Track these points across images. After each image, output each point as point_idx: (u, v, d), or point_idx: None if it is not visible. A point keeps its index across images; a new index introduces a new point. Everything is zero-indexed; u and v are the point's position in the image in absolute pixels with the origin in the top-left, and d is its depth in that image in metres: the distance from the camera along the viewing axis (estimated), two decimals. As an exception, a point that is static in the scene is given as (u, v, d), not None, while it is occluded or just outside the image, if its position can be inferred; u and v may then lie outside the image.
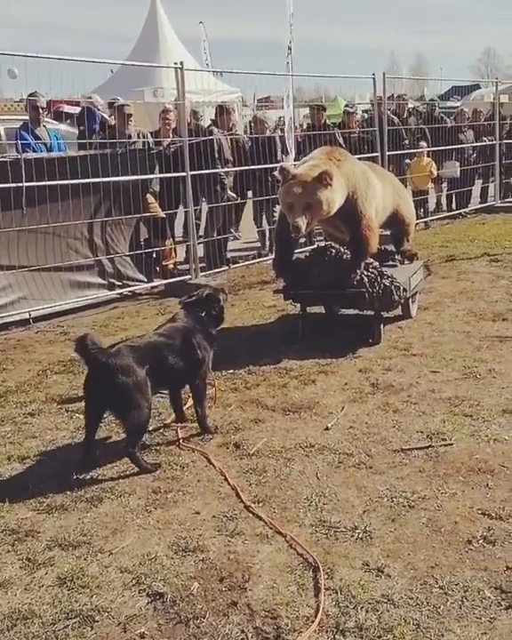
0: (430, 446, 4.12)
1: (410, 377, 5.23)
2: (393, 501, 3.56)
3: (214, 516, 3.49)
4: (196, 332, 4.35)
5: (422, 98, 21.40)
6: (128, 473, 3.93)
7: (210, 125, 10.06)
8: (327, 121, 11.38)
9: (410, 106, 13.90)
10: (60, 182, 7.05)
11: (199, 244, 9.14)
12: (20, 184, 6.79)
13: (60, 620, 2.77)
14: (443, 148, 12.58)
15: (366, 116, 13.88)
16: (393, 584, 2.93)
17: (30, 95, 8.09)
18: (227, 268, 9.23)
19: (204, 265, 8.98)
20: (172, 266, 8.91)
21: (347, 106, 13.12)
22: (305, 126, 11.76)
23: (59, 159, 7.20)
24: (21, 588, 3.00)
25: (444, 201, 13.65)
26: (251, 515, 3.49)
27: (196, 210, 9.22)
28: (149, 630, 2.72)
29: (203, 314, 4.45)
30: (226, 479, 3.83)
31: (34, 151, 7.57)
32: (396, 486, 3.70)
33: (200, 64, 19.88)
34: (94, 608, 2.83)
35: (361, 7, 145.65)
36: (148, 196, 8.40)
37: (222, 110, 10.01)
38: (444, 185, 13.45)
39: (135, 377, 3.90)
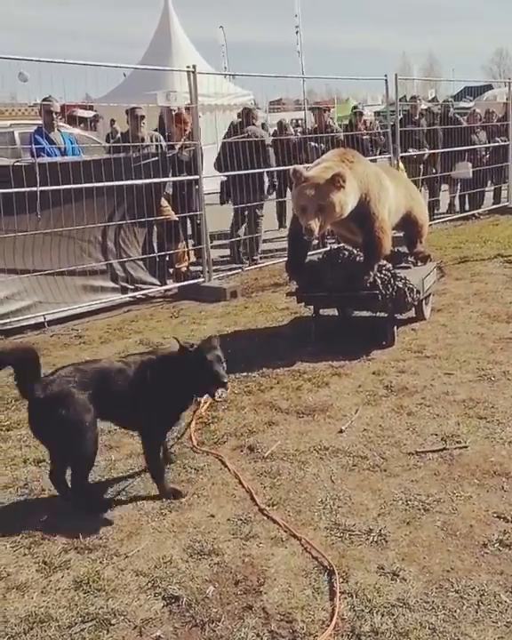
0: (445, 449, 4.10)
1: (424, 379, 5.21)
2: (408, 504, 3.55)
3: (229, 520, 3.50)
4: (159, 378, 3.63)
5: (434, 99, 21.32)
6: (143, 476, 3.94)
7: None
8: (334, 122, 11.40)
9: (423, 107, 13.86)
10: (75, 186, 7.09)
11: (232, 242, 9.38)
12: (35, 188, 6.83)
13: (76, 624, 2.79)
14: (455, 148, 12.54)
15: (374, 117, 13.89)
16: (408, 588, 2.92)
17: (44, 100, 8.14)
18: (240, 270, 9.26)
19: (216, 267, 9.02)
20: (185, 268, 8.93)
21: (355, 107, 13.12)
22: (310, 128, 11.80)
23: (73, 163, 7.24)
24: (38, 591, 3.01)
25: (456, 202, 13.61)
26: (265, 518, 3.49)
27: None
28: (165, 633, 2.73)
29: (178, 371, 3.63)
30: (240, 482, 3.84)
31: (48, 155, 7.61)
32: (410, 489, 3.69)
33: (216, 68, 19.93)
34: (110, 611, 2.85)
35: (372, 9, 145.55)
36: (161, 199, 8.43)
37: (248, 112, 10.23)
38: (457, 186, 13.41)
39: (72, 407, 3.46)
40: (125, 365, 3.67)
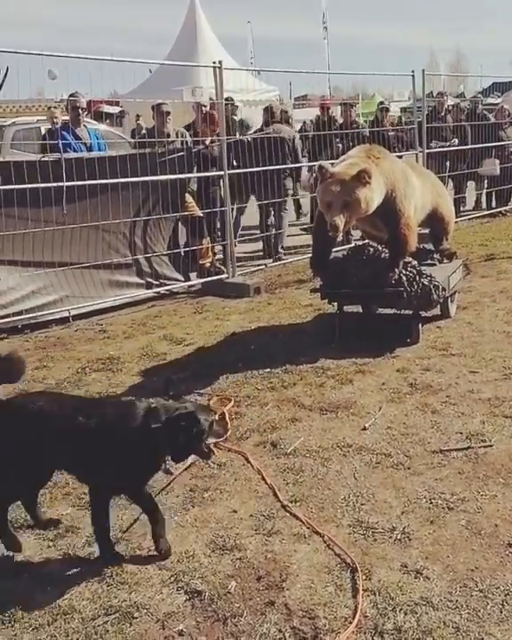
0: (470, 447, 4.07)
1: (449, 377, 5.18)
2: (432, 503, 3.53)
3: (251, 515, 3.50)
4: (126, 433, 3.03)
5: (461, 95, 21.16)
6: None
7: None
8: (359, 118, 11.36)
9: (450, 103, 13.75)
10: (100, 181, 7.13)
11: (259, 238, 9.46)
12: (61, 183, 6.88)
13: (99, 616, 2.80)
14: (482, 145, 12.42)
15: (401, 113, 13.83)
16: (432, 586, 2.90)
17: (71, 96, 8.19)
18: (263, 266, 9.25)
19: (240, 264, 9.02)
20: (208, 264, 8.94)
21: (381, 103, 13.04)
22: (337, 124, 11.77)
23: (99, 159, 7.28)
24: (61, 583, 3.03)
25: (483, 199, 13.49)
26: (288, 514, 3.49)
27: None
28: (187, 628, 2.73)
29: (157, 427, 2.98)
30: (263, 478, 3.83)
31: (74, 151, 7.66)
32: (434, 488, 3.67)
33: (241, 63, 19.94)
34: (133, 604, 2.86)
35: (398, 4, 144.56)
36: (186, 194, 8.44)
37: (271, 109, 10.34)
38: (484, 183, 13.29)
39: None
40: (86, 408, 3.16)
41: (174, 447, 3.03)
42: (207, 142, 8.88)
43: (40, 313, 6.99)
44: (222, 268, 8.76)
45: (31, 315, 6.92)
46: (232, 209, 9.09)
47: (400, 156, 9.44)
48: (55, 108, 9.80)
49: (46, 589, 2.99)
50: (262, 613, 2.79)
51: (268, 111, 10.32)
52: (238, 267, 8.84)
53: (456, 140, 12.11)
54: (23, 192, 6.64)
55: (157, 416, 3.00)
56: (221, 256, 9.15)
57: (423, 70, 11.39)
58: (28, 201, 6.66)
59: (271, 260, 9.58)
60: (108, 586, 2.99)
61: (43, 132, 11.00)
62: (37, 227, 6.89)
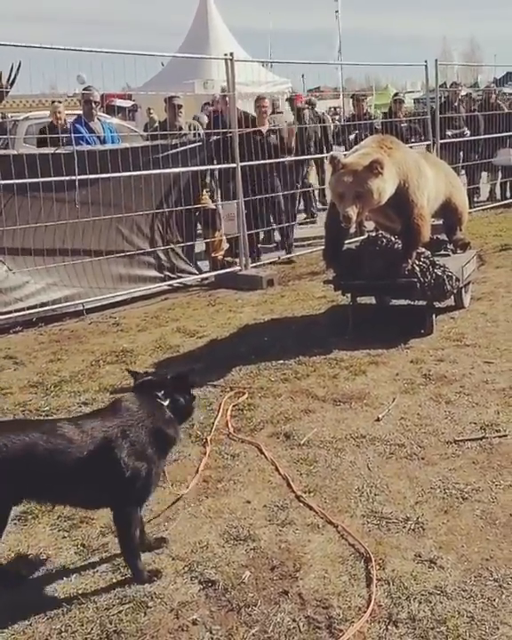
0: (484, 438, 4.05)
1: (463, 368, 5.15)
2: (446, 493, 3.52)
3: (265, 506, 3.50)
4: (135, 430, 2.87)
5: (475, 85, 21.01)
6: (179, 462, 3.96)
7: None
8: (372, 109, 11.34)
9: (463, 93, 13.66)
10: (113, 175, 7.14)
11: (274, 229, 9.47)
12: (73, 177, 6.89)
13: (113, 605, 2.82)
14: (496, 135, 12.33)
15: (413, 104, 13.77)
16: (446, 576, 2.90)
17: (84, 89, 8.20)
18: (276, 258, 9.24)
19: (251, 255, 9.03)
20: (221, 257, 8.93)
21: (395, 94, 12.98)
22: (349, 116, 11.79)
23: (112, 151, 7.28)
24: (76, 573, 3.05)
25: (497, 190, 13.39)
26: (302, 505, 3.49)
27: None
28: (202, 617, 2.74)
29: (166, 402, 2.99)
30: (277, 469, 3.83)
31: (88, 144, 7.67)
32: (448, 478, 3.65)
33: (258, 56, 19.88)
34: (147, 594, 2.87)
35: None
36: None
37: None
38: (499, 173, 13.19)
39: None
40: (76, 431, 2.84)
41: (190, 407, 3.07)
42: (264, 131, 8.98)
43: (54, 306, 7.02)
44: (234, 261, 8.74)
45: (46, 308, 6.95)
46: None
47: (412, 147, 9.38)
48: (59, 102, 9.78)
49: (61, 579, 3.01)
50: (276, 603, 2.80)
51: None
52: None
53: (467, 131, 12.03)
54: (36, 185, 6.66)
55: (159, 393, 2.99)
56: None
57: (436, 60, 11.32)
58: (41, 194, 6.68)
59: (284, 252, 9.55)
60: (122, 576, 3.00)
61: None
62: (51, 220, 6.91)
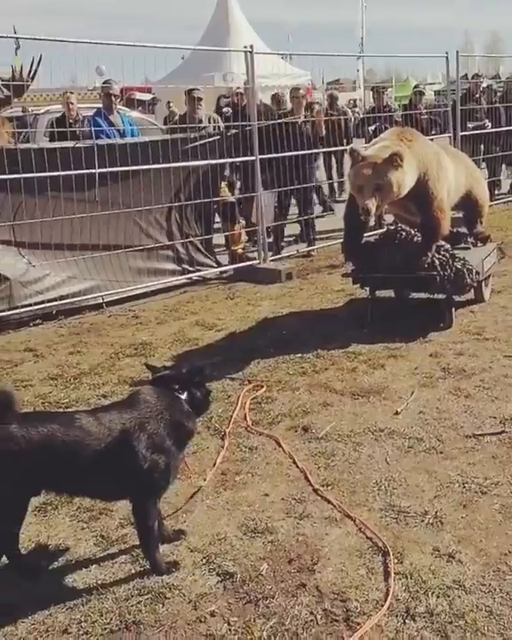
0: (503, 432, 4.03)
1: (482, 361, 5.12)
2: (464, 487, 3.51)
3: (283, 499, 3.51)
4: (153, 423, 2.88)
5: (496, 77, 20.78)
6: (196, 455, 3.98)
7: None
8: (393, 102, 11.28)
9: (484, 85, 13.52)
10: (133, 168, 7.15)
11: (294, 222, 9.48)
12: (93, 170, 6.91)
13: (132, 596, 2.84)
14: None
15: (434, 96, 13.65)
16: (465, 570, 2.89)
17: (104, 83, 8.22)
18: (295, 251, 9.22)
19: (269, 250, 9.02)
20: (240, 250, 8.93)
21: (416, 86, 12.88)
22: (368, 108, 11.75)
23: (132, 144, 7.30)
24: (95, 564, 3.07)
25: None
26: (319, 498, 3.49)
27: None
28: (219, 608, 2.75)
29: (183, 395, 3.02)
30: (295, 462, 3.84)
31: (107, 137, 7.69)
32: (467, 472, 3.64)
33: (273, 48, 19.79)
34: (165, 585, 2.89)
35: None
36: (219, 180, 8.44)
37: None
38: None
39: None
40: (94, 423, 2.86)
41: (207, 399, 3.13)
42: (300, 121, 9.05)
43: (74, 299, 7.06)
44: (253, 255, 8.74)
45: (65, 301, 6.99)
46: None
47: (432, 139, 9.31)
48: (71, 93, 9.77)
49: (80, 570, 3.03)
50: (294, 595, 2.80)
51: (275, 99, 10.67)
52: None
53: (488, 123, 11.91)
54: (56, 179, 6.69)
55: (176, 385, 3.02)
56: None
57: (457, 52, 11.22)
58: (61, 187, 6.72)
59: (306, 245, 9.53)
60: (141, 567, 3.02)
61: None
62: (71, 213, 6.94)
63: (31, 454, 2.73)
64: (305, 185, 9.19)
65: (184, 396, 3.01)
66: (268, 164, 8.66)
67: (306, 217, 9.49)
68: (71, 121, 8.94)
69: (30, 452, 2.73)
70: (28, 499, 2.95)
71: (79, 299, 7.09)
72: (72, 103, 9.36)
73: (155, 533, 2.97)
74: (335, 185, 13.20)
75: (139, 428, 2.85)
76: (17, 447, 2.73)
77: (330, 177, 13.14)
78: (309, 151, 9.17)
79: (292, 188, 8.95)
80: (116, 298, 7.33)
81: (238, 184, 9.85)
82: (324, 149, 10.08)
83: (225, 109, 10.58)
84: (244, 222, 9.08)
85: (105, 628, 2.67)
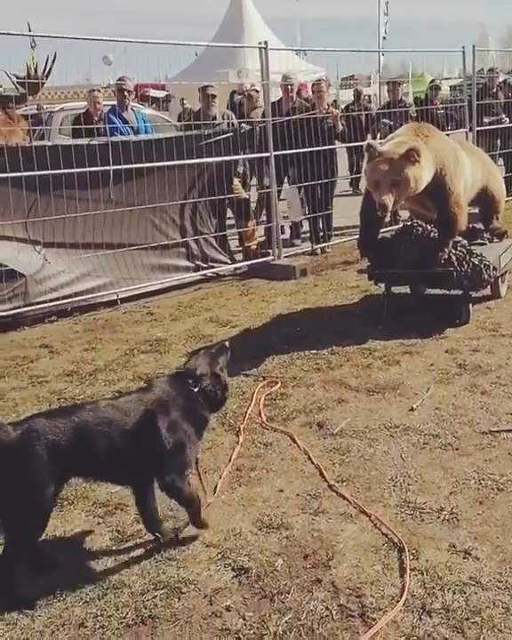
0: (520, 429, 4.01)
1: (499, 358, 5.09)
2: (480, 484, 3.49)
3: (298, 495, 3.50)
4: (172, 408, 3.04)
5: (512, 72, 20.64)
6: (211, 451, 3.98)
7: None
8: (409, 97, 11.23)
9: (500, 79, 13.43)
10: (147, 165, 7.16)
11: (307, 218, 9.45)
12: (108, 167, 6.92)
13: (148, 591, 2.85)
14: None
15: (450, 91, 13.56)
16: (481, 567, 2.88)
17: (118, 79, 8.22)
18: (309, 248, 9.20)
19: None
20: (254, 247, 8.92)
21: (432, 81, 12.81)
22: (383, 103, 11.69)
23: (146, 141, 7.30)
24: (111, 558, 3.09)
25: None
26: (334, 494, 3.48)
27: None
28: (235, 603, 2.76)
29: (196, 389, 3.12)
30: (310, 458, 3.83)
31: (121, 134, 7.70)
32: (483, 468, 3.62)
33: (287, 44, 19.73)
34: (181, 580, 2.90)
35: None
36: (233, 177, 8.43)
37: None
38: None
39: (24, 473, 2.80)
40: (114, 412, 3.00)
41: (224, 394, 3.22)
42: (320, 117, 9.04)
43: (89, 296, 7.08)
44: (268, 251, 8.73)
45: (80, 297, 7.01)
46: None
47: (449, 135, 9.27)
48: (98, 91, 9.75)
49: (97, 565, 3.05)
50: (309, 591, 2.80)
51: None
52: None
53: (505, 118, 11.83)
54: (71, 176, 6.71)
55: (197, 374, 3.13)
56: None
57: (473, 46, 11.15)
58: (76, 184, 6.73)
59: (322, 241, 9.50)
60: (156, 562, 3.03)
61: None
62: (86, 210, 6.95)
63: (61, 444, 2.83)
64: (328, 180, 9.16)
65: (196, 390, 3.12)
66: (292, 160, 8.68)
67: (326, 213, 9.46)
68: (96, 118, 8.92)
69: (59, 441, 2.84)
70: (60, 488, 3.01)
71: (94, 295, 7.11)
72: (99, 103, 9.30)
73: (196, 498, 3.13)
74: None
75: (159, 409, 3.01)
76: (49, 437, 2.83)
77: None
78: (332, 146, 9.17)
79: (316, 182, 8.92)
80: (130, 294, 7.34)
81: (253, 180, 9.84)
82: (346, 145, 10.06)
83: (237, 97, 10.51)
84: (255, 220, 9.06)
85: (121, 623, 2.69)
